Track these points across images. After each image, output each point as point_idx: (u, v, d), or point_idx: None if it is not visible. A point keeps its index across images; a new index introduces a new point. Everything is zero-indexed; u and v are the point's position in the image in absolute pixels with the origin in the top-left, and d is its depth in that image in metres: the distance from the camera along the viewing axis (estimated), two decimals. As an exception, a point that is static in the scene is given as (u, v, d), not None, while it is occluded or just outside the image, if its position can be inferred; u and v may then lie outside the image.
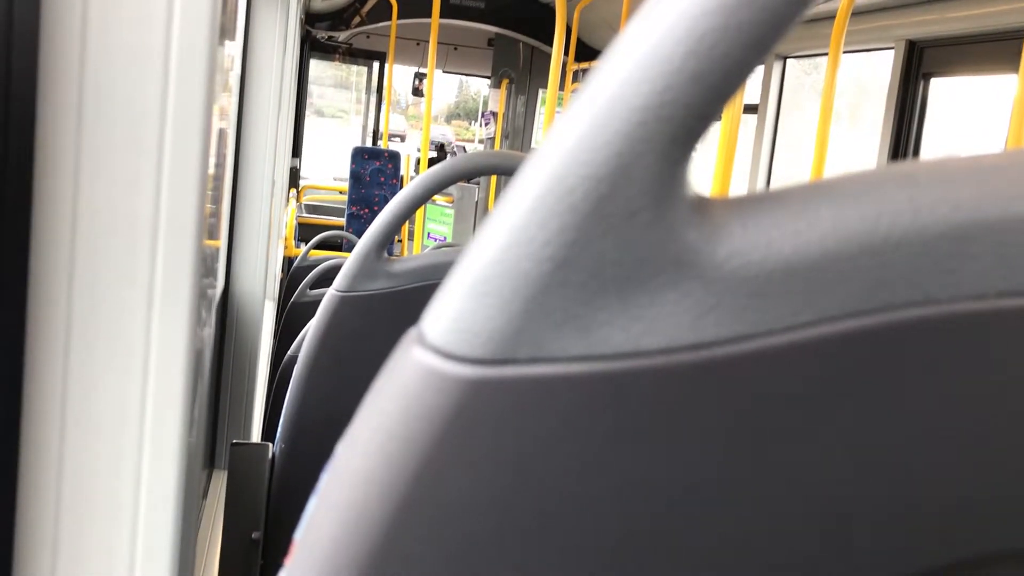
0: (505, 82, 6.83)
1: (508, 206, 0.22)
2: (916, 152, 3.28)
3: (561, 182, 0.21)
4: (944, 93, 3.28)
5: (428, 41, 4.31)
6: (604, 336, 0.21)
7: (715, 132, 3.12)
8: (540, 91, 6.88)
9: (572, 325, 0.21)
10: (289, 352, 1.88)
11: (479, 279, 0.22)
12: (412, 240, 5.49)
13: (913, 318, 0.21)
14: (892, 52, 3.30)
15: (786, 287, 0.21)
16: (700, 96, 0.21)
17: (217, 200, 1.78)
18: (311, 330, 1.16)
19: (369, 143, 7.97)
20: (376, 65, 7.87)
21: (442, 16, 5.30)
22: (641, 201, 0.21)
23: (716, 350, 0.21)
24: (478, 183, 6.38)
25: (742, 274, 0.21)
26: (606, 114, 0.21)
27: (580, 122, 0.21)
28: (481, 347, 0.21)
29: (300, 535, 0.25)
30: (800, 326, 0.21)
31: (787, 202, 0.22)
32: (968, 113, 3.49)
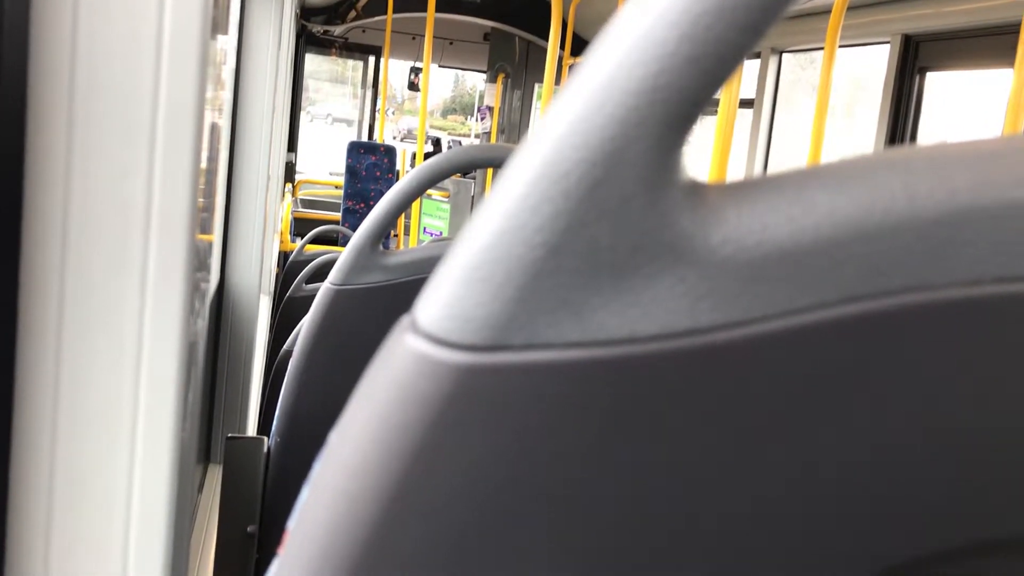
0: (501, 77, 6.82)
1: (502, 192, 0.22)
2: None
3: (555, 167, 0.21)
4: (940, 87, 3.28)
5: (424, 35, 4.30)
6: (598, 322, 0.21)
7: (711, 127, 3.12)
8: (536, 86, 6.87)
9: (566, 311, 0.21)
10: (284, 346, 1.88)
11: (472, 265, 0.21)
12: (408, 235, 5.49)
13: (909, 304, 0.21)
14: (888, 47, 3.30)
15: (781, 273, 0.21)
16: (694, 80, 0.20)
17: (210, 194, 1.77)
18: (307, 324, 1.15)
19: (346, 135, 7.96)
20: (372, 59, 7.86)
21: (438, 10, 5.29)
22: (635, 186, 0.21)
23: (711, 336, 0.21)
24: (474, 177, 6.38)
25: (737, 260, 0.21)
26: (600, 98, 0.21)
27: (574, 107, 0.21)
28: (474, 333, 0.21)
29: (293, 524, 0.25)
30: (795, 312, 0.21)
31: (782, 188, 0.22)
32: (964, 107, 3.50)
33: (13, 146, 0.70)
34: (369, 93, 8.06)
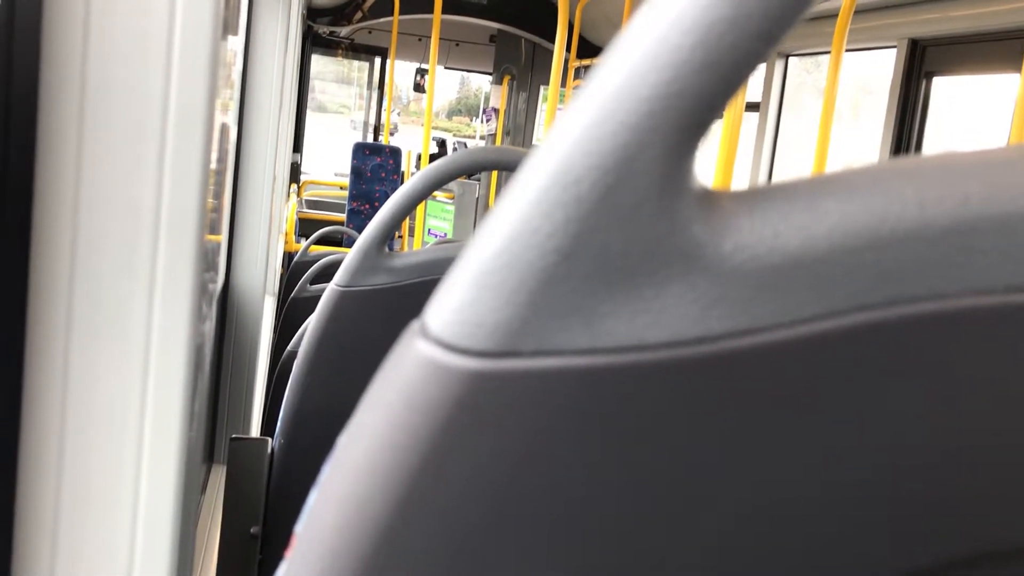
0: (507, 78, 6.83)
1: (513, 197, 0.22)
2: (918, 151, 3.27)
3: (567, 173, 0.21)
4: (946, 92, 3.28)
5: (430, 37, 4.31)
6: (608, 329, 0.21)
7: (717, 130, 3.12)
8: (542, 88, 6.87)
9: (577, 318, 0.21)
10: (289, 347, 1.88)
11: (483, 271, 0.22)
12: (413, 236, 5.50)
13: (920, 312, 0.21)
14: (894, 51, 3.30)
15: (792, 281, 0.21)
16: (708, 87, 0.20)
17: (218, 195, 1.78)
18: (311, 325, 1.15)
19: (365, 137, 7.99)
20: (378, 61, 7.87)
21: (444, 12, 5.29)
22: (647, 192, 0.21)
23: (721, 344, 0.21)
24: (479, 179, 6.38)
25: (748, 267, 0.21)
26: (613, 104, 0.21)
27: (586, 112, 0.21)
28: (485, 339, 0.21)
29: (301, 527, 0.25)
30: (806, 320, 0.21)
31: (794, 195, 0.22)
32: (970, 112, 3.49)
33: (24, 146, 0.70)
34: (375, 94, 8.07)
